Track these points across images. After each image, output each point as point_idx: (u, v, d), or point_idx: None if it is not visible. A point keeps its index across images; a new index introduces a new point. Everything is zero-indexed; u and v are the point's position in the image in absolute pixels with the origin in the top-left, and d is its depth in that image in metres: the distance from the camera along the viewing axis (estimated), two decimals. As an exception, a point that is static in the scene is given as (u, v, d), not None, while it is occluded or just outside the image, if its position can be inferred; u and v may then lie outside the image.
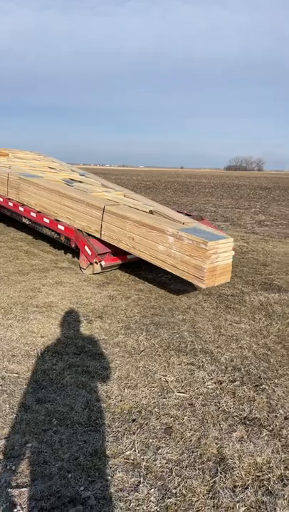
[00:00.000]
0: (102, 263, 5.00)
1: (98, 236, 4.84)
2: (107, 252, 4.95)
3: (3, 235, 7.46)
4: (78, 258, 5.33)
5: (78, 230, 5.14)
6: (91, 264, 5.02)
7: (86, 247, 4.95)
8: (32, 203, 6.06)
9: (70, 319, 3.72)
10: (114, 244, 4.70)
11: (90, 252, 4.91)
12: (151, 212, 5.15)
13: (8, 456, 1.99)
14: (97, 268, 5.05)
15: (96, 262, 4.97)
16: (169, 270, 4.12)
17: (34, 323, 3.59)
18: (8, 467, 1.92)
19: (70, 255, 6.01)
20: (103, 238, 4.80)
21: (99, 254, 4.88)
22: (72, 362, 2.91)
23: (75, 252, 5.58)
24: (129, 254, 4.79)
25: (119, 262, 5.14)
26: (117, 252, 4.96)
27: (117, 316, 3.85)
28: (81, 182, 6.88)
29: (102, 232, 4.79)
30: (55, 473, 1.89)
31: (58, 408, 2.37)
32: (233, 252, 4.13)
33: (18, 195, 6.37)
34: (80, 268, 5.25)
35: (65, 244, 5.56)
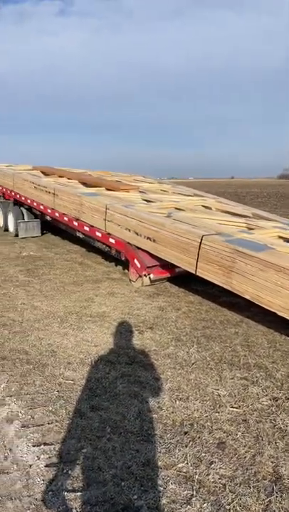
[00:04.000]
0: (151, 276, 5.05)
1: None
2: (156, 265, 4.98)
3: (59, 247, 7.82)
4: (128, 270, 5.44)
5: (128, 242, 5.19)
6: (140, 276, 5.09)
7: (135, 260, 5.04)
8: (272, 302, 3.45)
9: (122, 329, 3.79)
10: None
11: (139, 265, 4.99)
12: None
13: (64, 460, 2.07)
14: (146, 281, 5.11)
15: (145, 275, 5.04)
16: None
17: (88, 332, 3.72)
18: (64, 471, 2.00)
19: (120, 267, 6.14)
20: None
21: (148, 267, 4.94)
22: (125, 371, 2.97)
23: (127, 264, 5.71)
24: (178, 267, 4.64)
25: (167, 275, 5.16)
26: (165, 265, 4.94)
27: (168, 328, 3.86)
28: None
29: None
30: (109, 480, 1.92)
31: (111, 416, 2.42)
32: None
33: (228, 279, 3.84)
34: (130, 280, 5.34)
35: (116, 256, 5.71)
